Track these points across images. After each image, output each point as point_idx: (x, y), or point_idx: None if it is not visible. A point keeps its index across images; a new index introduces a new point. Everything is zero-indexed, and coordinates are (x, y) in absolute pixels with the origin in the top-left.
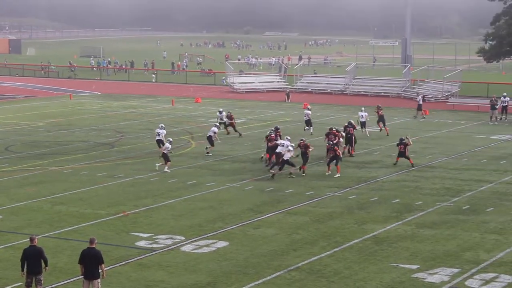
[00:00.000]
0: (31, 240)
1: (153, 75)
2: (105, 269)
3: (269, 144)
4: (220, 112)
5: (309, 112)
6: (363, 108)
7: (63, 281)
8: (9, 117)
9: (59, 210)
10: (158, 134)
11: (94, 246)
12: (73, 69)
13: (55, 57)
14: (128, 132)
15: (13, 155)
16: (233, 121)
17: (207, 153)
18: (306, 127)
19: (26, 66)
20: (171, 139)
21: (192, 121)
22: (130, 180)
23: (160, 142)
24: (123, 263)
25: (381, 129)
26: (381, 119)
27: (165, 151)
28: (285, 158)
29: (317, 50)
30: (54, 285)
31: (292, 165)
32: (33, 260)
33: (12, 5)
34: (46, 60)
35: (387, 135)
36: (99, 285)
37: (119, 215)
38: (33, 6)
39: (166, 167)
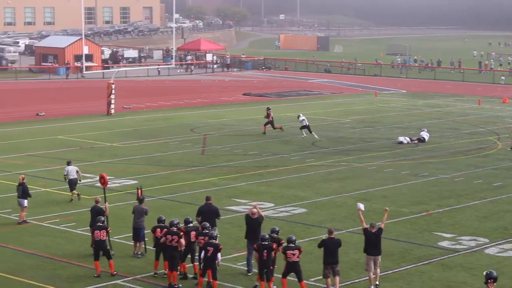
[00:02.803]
0: (329, 232)
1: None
2: (408, 267)
3: None
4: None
5: None
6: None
7: (364, 278)
8: (316, 112)
9: None
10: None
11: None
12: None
13: (361, 54)
14: (433, 131)
15: (319, 150)
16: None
17: None
18: None
19: (332, 63)
20: None
21: (499, 121)
22: (434, 179)
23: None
24: (425, 262)
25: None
26: None
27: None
28: None
29: None
30: (355, 281)
31: None
32: (331, 251)
33: (321, 3)
34: (353, 57)
35: None
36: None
37: (422, 214)
38: (342, 4)
39: None
